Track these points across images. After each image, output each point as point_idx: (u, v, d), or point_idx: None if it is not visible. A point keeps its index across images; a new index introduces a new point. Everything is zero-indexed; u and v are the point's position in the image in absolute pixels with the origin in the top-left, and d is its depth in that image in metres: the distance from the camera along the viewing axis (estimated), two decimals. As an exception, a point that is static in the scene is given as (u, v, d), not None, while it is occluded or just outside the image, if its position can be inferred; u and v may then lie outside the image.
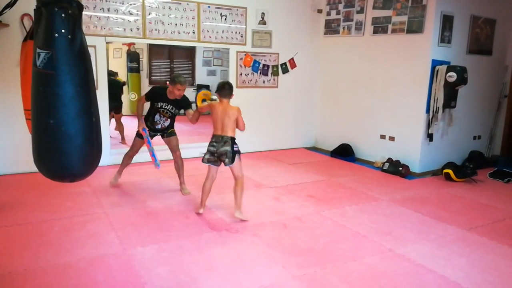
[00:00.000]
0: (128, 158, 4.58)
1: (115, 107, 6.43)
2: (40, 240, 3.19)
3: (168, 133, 4.41)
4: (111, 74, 6.44)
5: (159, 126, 4.34)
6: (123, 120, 6.78)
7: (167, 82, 4.21)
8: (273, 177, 5.17)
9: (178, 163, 4.45)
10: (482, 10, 5.68)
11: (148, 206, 4.00)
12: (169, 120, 4.34)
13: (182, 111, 4.32)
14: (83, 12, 2.38)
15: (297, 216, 3.88)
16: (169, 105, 4.24)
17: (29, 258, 2.90)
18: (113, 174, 4.68)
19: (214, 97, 3.94)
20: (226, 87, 3.66)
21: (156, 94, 4.26)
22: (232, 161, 3.59)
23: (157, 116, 4.30)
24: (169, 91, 4.18)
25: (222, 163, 3.66)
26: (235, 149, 3.61)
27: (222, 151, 3.58)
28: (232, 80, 6.23)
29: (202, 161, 3.71)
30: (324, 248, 3.23)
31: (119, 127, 6.63)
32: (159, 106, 4.24)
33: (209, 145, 3.66)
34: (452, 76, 5.10)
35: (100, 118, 2.36)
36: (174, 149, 4.43)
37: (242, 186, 3.69)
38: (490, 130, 6.39)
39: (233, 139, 3.63)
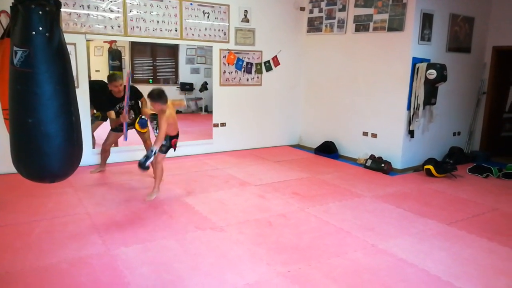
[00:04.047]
0: (104, 151, 4.97)
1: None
2: (21, 242, 3.13)
3: None
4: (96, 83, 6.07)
5: (129, 120, 4.74)
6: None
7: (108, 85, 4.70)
8: (257, 175, 5.18)
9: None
10: (461, 8, 5.80)
11: (132, 206, 3.96)
12: (131, 111, 4.73)
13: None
14: (62, 9, 2.34)
15: (282, 213, 3.90)
16: (122, 102, 4.63)
17: (9, 261, 2.84)
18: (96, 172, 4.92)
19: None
20: (163, 94, 3.95)
21: (107, 104, 4.73)
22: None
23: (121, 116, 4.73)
24: (114, 92, 4.65)
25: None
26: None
27: None
28: (215, 78, 6.21)
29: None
30: (308, 244, 3.26)
31: None
32: (117, 109, 4.72)
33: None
34: (432, 74, 5.19)
35: (80, 117, 2.34)
36: (145, 139, 4.87)
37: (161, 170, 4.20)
38: (469, 126, 6.53)
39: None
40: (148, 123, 4.80)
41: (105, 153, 4.99)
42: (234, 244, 3.22)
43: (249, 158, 6.10)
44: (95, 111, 5.47)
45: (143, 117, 4.74)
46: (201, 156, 6.13)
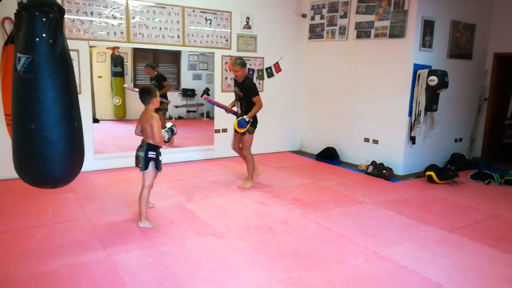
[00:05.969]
0: (240, 154, 5.07)
1: None
2: (22, 248, 3.13)
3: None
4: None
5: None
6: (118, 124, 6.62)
7: None
8: (258, 181, 5.17)
9: (246, 159, 4.91)
10: (462, 15, 5.82)
11: (132, 212, 3.96)
12: (238, 104, 4.80)
13: None
14: (66, 16, 2.37)
15: (283, 219, 3.90)
16: (237, 88, 4.78)
17: (10, 266, 2.84)
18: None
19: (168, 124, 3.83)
20: (144, 93, 3.54)
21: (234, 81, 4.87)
22: (145, 167, 3.52)
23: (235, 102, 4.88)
24: (235, 76, 4.72)
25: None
26: (149, 155, 3.52)
27: (136, 155, 3.57)
28: (217, 84, 6.23)
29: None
30: (309, 251, 3.25)
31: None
32: (234, 90, 4.84)
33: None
34: (434, 80, 5.20)
35: (82, 123, 2.35)
36: (242, 147, 4.86)
37: (144, 195, 3.60)
38: (471, 132, 6.52)
39: (149, 145, 3.53)
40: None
41: (240, 155, 5.03)
42: (234, 250, 3.22)
43: (250, 164, 6.09)
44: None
45: (244, 116, 4.56)
46: (202, 162, 6.13)
